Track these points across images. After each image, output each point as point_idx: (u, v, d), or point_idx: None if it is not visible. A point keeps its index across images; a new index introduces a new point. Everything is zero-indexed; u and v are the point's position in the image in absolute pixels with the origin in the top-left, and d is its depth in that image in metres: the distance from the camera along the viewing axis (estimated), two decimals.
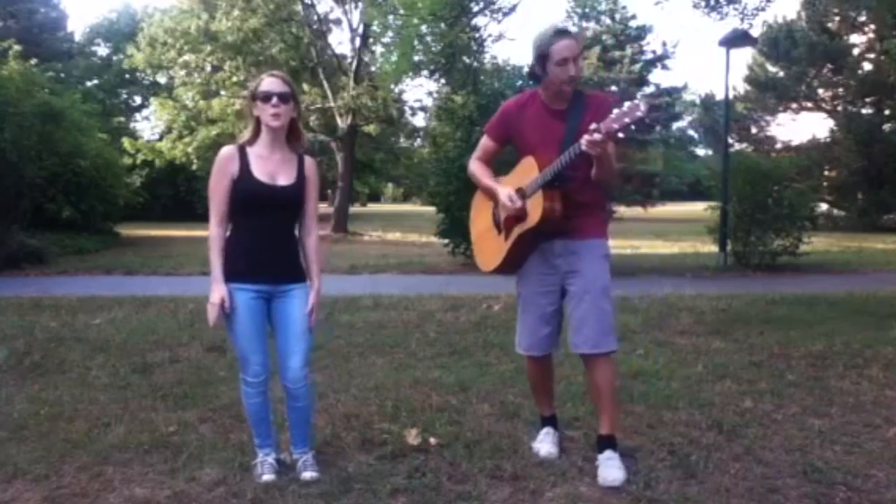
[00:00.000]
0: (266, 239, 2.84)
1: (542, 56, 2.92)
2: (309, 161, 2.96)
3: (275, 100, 2.78)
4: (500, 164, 3.21)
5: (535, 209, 2.93)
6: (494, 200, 3.13)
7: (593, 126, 2.68)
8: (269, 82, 2.81)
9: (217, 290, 2.78)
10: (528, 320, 3.14)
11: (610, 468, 2.88)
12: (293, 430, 3.02)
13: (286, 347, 2.89)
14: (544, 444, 3.17)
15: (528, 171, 3.00)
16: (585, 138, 2.69)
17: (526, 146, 3.05)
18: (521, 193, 2.98)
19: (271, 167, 2.84)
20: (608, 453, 2.95)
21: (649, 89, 34.44)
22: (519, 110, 3.10)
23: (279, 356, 2.91)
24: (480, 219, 3.32)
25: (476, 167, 3.22)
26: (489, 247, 3.24)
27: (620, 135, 2.65)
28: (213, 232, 2.84)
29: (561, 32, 2.90)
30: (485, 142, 3.23)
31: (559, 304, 3.10)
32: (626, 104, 2.66)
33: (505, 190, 3.02)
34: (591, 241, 3.02)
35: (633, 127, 2.64)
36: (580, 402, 3.87)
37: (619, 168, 3.04)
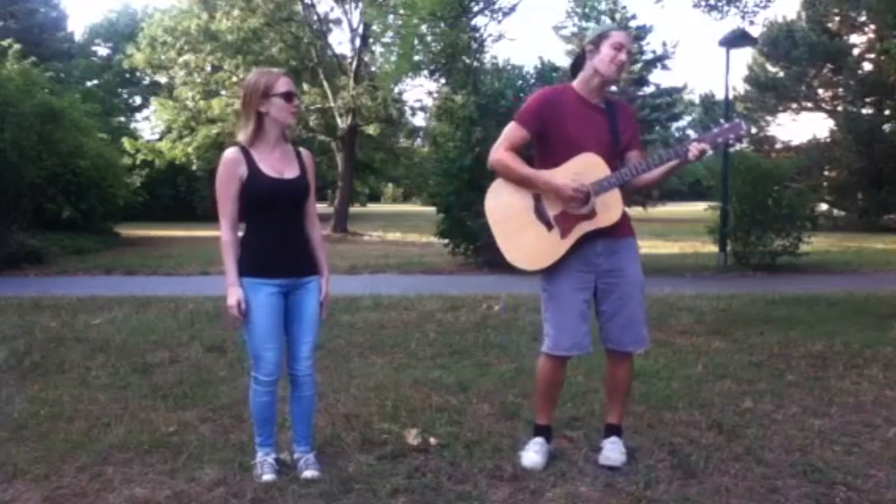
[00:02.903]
0: (283, 234, 2.87)
1: (599, 36, 2.97)
2: (305, 153, 3.00)
3: (296, 100, 2.86)
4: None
5: (614, 208, 2.95)
6: (536, 192, 2.96)
7: (697, 136, 2.89)
8: (287, 82, 2.85)
9: (233, 294, 2.80)
10: (568, 319, 3.00)
11: (614, 451, 3.04)
12: (296, 426, 3.02)
13: (298, 336, 2.93)
14: (530, 452, 3.06)
15: (592, 167, 2.92)
16: (696, 146, 2.90)
17: (566, 138, 2.95)
18: (588, 193, 2.94)
19: (276, 163, 2.86)
20: (615, 438, 3.11)
21: (649, 89, 34.45)
22: (557, 101, 3.02)
23: (290, 345, 2.95)
24: (512, 212, 3.01)
25: (508, 157, 2.98)
26: (535, 243, 2.97)
27: (720, 148, 2.86)
28: (226, 236, 2.85)
29: (624, 27, 3.09)
30: (515, 131, 3.01)
31: (592, 302, 3.08)
32: (726, 123, 2.96)
33: (567, 181, 2.90)
34: (630, 239, 3.08)
35: (731, 142, 2.88)
36: (580, 402, 3.87)
37: None
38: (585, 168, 2.92)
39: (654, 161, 2.96)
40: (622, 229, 3.03)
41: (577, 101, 3.01)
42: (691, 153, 2.90)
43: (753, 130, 28.44)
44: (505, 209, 3.04)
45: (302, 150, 3.01)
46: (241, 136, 2.86)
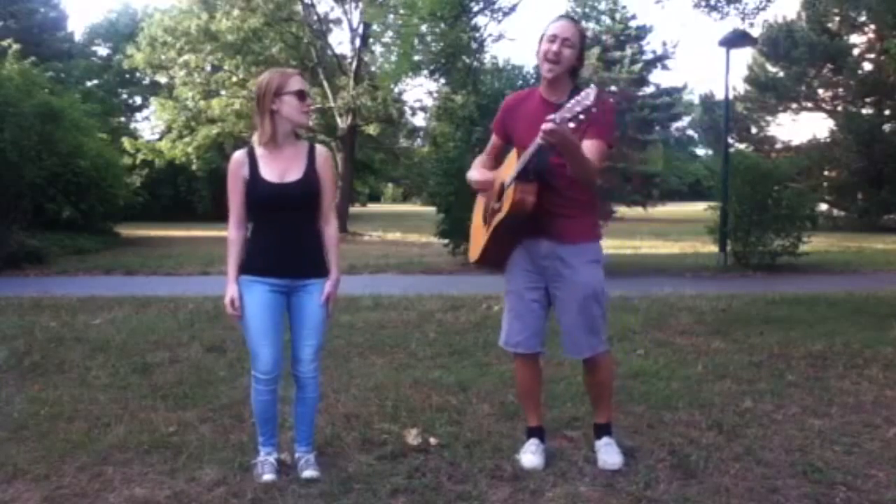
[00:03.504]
0: (284, 235, 2.87)
1: (541, 36, 2.94)
2: (321, 152, 2.95)
3: (308, 99, 2.87)
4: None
5: (507, 200, 2.91)
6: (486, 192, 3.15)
7: (549, 116, 2.60)
8: (300, 80, 2.86)
9: (229, 291, 2.84)
10: (514, 316, 3.09)
11: (611, 453, 3.03)
12: (299, 426, 3.02)
13: (300, 338, 2.94)
14: (528, 453, 3.07)
15: (512, 161, 2.99)
16: (542, 127, 2.61)
17: (517, 140, 2.99)
18: (502, 185, 2.99)
19: (281, 165, 2.85)
20: (606, 439, 3.10)
21: (649, 89, 34.45)
22: (517, 104, 3.09)
23: (292, 346, 2.95)
24: (477, 210, 3.32)
25: (475, 161, 3.23)
26: (477, 237, 3.26)
27: (572, 124, 2.57)
28: (231, 234, 2.89)
29: (562, 16, 3.02)
30: (492, 138, 3.22)
31: (545, 302, 3.06)
32: (580, 94, 2.60)
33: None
34: (579, 246, 2.97)
35: (582, 116, 2.55)
36: (580, 402, 3.86)
37: (601, 167, 2.93)
38: (509, 163, 2.99)
39: (531, 149, 2.75)
40: (568, 234, 2.94)
41: (538, 101, 3.00)
42: (539, 136, 2.63)
43: (753, 130, 28.43)
44: (476, 209, 3.33)
45: (319, 147, 2.97)
46: (256, 137, 2.88)
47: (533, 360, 3.15)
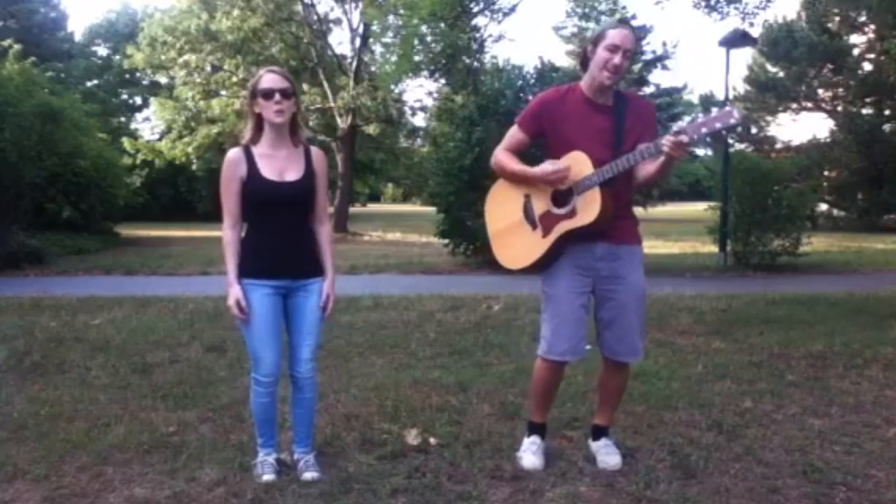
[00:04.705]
0: (281, 236, 2.85)
1: (598, 36, 2.87)
2: (316, 153, 2.95)
3: (277, 96, 2.78)
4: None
5: (592, 207, 2.82)
6: (526, 192, 2.97)
7: (678, 127, 2.63)
8: (270, 79, 2.80)
9: (232, 293, 2.81)
10: (565, 323, 2.95)
11: (611, 454, 3.06)
12: (297, 426, 3.02)
13: (297, 339, 2.93)
14: (528, 453, 3.04)
15: (578, 165, 2.84)
16: (670, 139, 2.63)
17: (563, 140, 2.90)
18: (570, 189, 2.87)
19: (279, 164, 2.84)
20: (604, 440, 3.13)
21: (649, 89, 34.42)
22: (559, 102, 2.97)
23: (290, 347, 2.95)
24: (504, 212, 3.08)
25: (504, 156, 3.03)
26: (520, 243, 3.01)
27: (708, 139, 2.61)
28: (227, 235, 2.86)
29: (623, 22, 2.94)
30: (514, 133, 3.05)
31: (589, 306, 3.01)
32: (717, 110, 2.64)
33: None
34: (633, 247, 3.00)
35: (718, 134, 2.59)
36: (580, 402, 3.87)
37: None
38: (573, 165, 2.86)
39: (634, 157, 2.77)
40: (625, 235, 2.95)
41: (581, 101, 2.93)
42: (665, 146, 2.66)
43: (753, 130, 28.44)
44: (498, 209, 3.10)
45: (314, 149, 2.96)
46: (245, 137, 2.89)
47: (564, 365, 3.08)
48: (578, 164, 2.85)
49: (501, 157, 3.04)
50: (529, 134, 3.02)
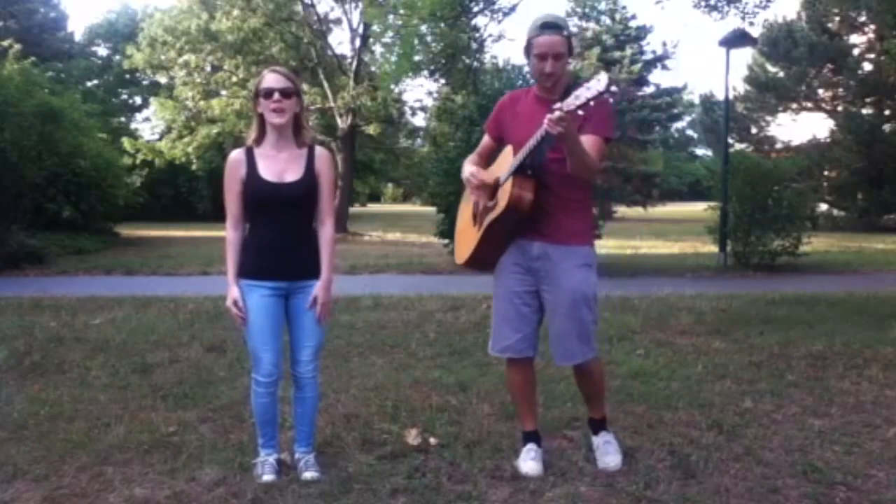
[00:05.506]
0: (280, 237, 2.85)
1: (526, 46, 2.88)
2: (321, 153, 2.92)
3: (276, 95, 2.77)
4: None
5: (504, 196, 2.82)
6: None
7: (556, 105, 2.53)
8: (271, 79, 2.81)
9: (230, 293, 2.83)
10: (504, 321, 2.98)
11: (609, 452, 3.03)
12: (298, 426, 3.02)
13: (298, 340, 2.93)
14: (527, 460, 3.00)
15: (506, 158, 2.93)
16: (547, 117, 2.53)
17: (514, 141, 2.91)
18: (496, 182, 2.92)
19: (279, 165, 2.84)
20: (605, 436, 3.11)
21: (649, 89, 34.43)
22: (512, 104, 3.04)
23: (291, 348, 2.95)
24: (464, 212, 3.22)
25: (467, 159, 3.14)
26: (465, 238, 3.15)
27: (581, 112, 2.50)
28: (228, 235, 2.88)
29: (546, 27, 2.82)
30: (484, 138, 3.17)
31: (537, 305, 2.97)
32: (590, 81, 2.51)
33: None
34: (571, 248, 2.89)
35: (592, 103, 2.45)
36: (580, 402, 3.85)
37: (600, 164, 2.88)
38: (504, 159, 2.92)
39: (535, 139, 2.69)
40: (563, 235, 2.87)
41: (533, 100, 2.95)
42: (545, 124, 2.56)
43: (753, 130, 28.43)
44: (462, 209, 3.24)
45: (319, 149, 2.94)
46: (250, 138, 2.90)
47: (525, 364, 3.05)
48: (506, 156, 2.92)
49: (466, 160, 3.13)
50: (493, 138, 3.12)
